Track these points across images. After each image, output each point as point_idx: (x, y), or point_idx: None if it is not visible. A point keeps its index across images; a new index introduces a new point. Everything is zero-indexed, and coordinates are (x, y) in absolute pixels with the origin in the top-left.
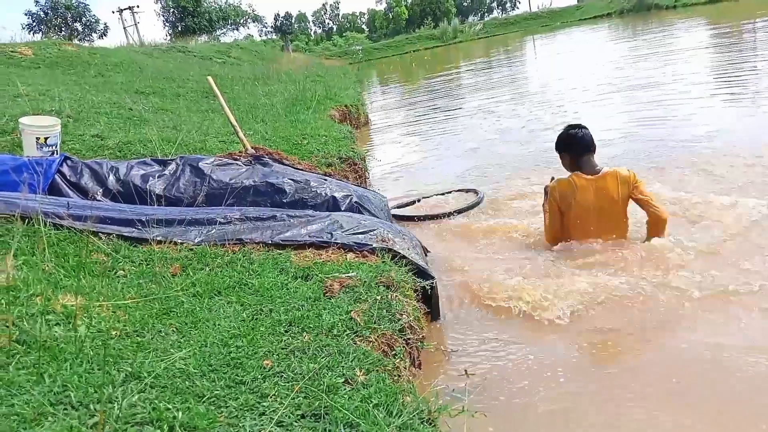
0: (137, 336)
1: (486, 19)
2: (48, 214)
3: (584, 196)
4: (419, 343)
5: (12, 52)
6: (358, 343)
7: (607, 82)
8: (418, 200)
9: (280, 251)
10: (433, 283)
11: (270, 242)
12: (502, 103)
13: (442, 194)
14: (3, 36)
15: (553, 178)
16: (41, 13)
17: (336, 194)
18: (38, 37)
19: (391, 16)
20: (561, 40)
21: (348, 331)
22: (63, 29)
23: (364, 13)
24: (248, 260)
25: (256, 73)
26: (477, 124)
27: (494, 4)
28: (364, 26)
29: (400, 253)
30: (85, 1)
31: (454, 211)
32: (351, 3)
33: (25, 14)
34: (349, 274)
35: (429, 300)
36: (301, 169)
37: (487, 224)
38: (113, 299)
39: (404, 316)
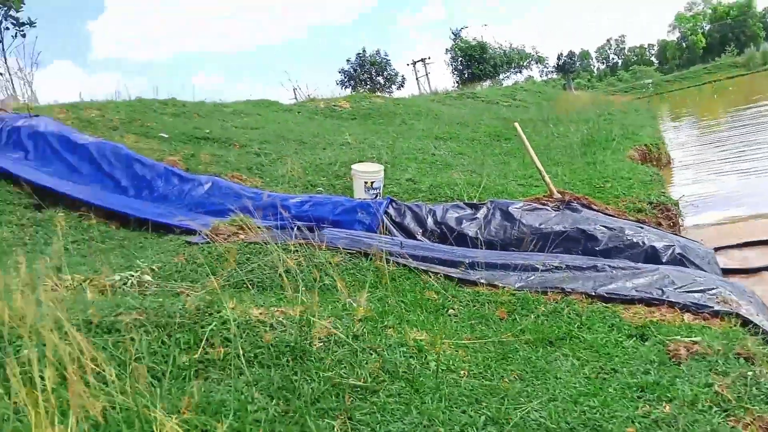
0: (483, 378)
1: None
2: (391, 253)
3: None
4: None
5: (334, 105)
6: (731, 423)
7: None
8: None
9: (605, 304)
10: None
11: (593, 293)
12: None
13: None
14: (326, 92)
15: None
16: (351, 70)
17: (655, 244)
18: (348, 91)
19: (685, 46)
20: None
21: (715, 408)
22: (368, 83)
23: (653, 45)
24: (573, 311)
25: (544, 114)
26: None
27: None
28: (653, 58)
29: (748, 319)
30: (387, 56)
31: None
32: (638, 36)
33: (339, 72)
34: (695, 339)
35: None
36: (611, 215)
37: None
38: (454, 338)
39: None
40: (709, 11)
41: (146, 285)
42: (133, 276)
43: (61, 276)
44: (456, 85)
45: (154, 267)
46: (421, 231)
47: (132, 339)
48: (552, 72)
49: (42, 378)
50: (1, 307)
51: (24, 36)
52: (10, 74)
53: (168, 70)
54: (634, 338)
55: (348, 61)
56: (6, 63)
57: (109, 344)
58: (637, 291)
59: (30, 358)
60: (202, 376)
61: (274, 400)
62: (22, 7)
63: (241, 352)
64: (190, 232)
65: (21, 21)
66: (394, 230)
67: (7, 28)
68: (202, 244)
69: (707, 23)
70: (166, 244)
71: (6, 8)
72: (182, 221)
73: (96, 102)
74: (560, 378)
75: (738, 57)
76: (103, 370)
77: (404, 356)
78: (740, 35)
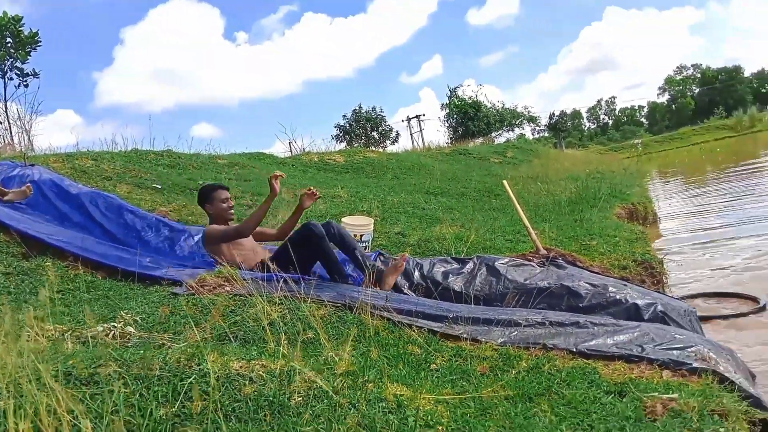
0: None
1: None
2: (375, 306)
3: None
4: None
5: (328, 159)
6: None
7: None
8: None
9: (586, 361)
10: None
11: (575, 350)
12: None
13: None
14: (320, 146)
15: None
16: (347, 124)
17: (638, 301)
18: (343, 145)
19: (674, 108)
20: None
21: None
22: (363, 138)
23: (643, 107)
24: (554, 367)
25: (534, 172)
26: None
27: None
28: (643, 119)
29: (725, 376)
30: (382, 112)
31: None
32: (628, 97)
33: (335, 127)
34: (672, 396)
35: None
36: (596, 272)
37: None
38: (434, 393)
39: None
40: (698, 75)
41: (129, 336)
42: (115, 327)
43: (44, 326)
44: (449, 141)
45: (137, 318)
46: (407, 285)
47: (110, 391)
48: (543, 131)
49: (17, 431)
50: None
51: (27, 86)
52: (9, 122)
53: (167, 120)
54: (613, 395)
55: (344, 116)
56: (6, 111)
57: (87, 396)
58: (617, 348)
59: (5, 409)
60: (179, 429)
61: None
62: (28, 59)
63: (219, 405)
64: (177, 283)
65: (25, 72)
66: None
67: (11, 78)
68: (187, 295)
69: (696, 86)
70: (151, 296)
71: (12, 59)
72: (168, 273)
73: (92, 151)
74: None
75: (726, 120)
76: (79, 423)
77: (383, 411)
78: (728, 99)
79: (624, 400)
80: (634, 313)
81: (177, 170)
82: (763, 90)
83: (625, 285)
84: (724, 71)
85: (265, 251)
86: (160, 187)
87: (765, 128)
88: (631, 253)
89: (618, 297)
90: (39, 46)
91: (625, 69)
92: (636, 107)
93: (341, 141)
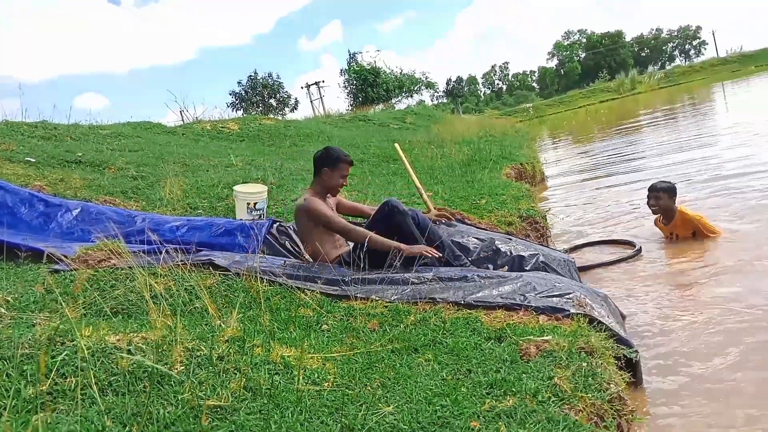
0: (347, 388)
1: (668, 68)
2: (265, 272)
3: None
4: (630, 416)
5: (222, 127)
6: (566, 411)
7: None
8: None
9: (470, 311)
10: (636, 352)
11: (462, 302)
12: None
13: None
14: (214, 114)
15: None
16: (242, 92)
17: (522, 253)
18: (240, 113)
19: (563, 72)
20: (758, 86)
21: (554, 398)
22: (260, 105)
23: (534, 72)
24: (440, 319)
25: (431, 137)
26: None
27: (676, 52)
28: (534, 84)
29: (598, 320)
30: (279, 79)
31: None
32: (521, 62)
33: (230, 94)
34: (545, 338)
35: (628, 368)
36: (484, 228)
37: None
38: (323, 352)
39: (612, 385)
40: (584, 40)
41: None
42: None
43: None
44: (350, 108)
45: (8, 298)
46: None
47: None
48: (442, 96)
49: None
50: None
51: None
52: None
53: (47, 91)
54: (492, 341)
55: (239, 83)
56: None
57: None
58: (502, 298)
59: None
60: (50, 407)
61: (126, 428)
62: None
63: (93, 380)
64: (53, 260)
65: None
66: (280, 249)
67: None
68: (66, 272)
69: (582, 51)
70: (24, 274)
71: None
72: (45, 247)
73: None
74: (419, 382)
75: (610, 82)
76: None
77: (269, 373)
78: (612, 62)
79: (502, 344)
80: (518, 264)
81: (53, 142)
82: (643, 54)
83: (510, 239)
84: (607, 36)
85: (347, 247)
86: (33, 160)
87: (644, 90)
88: (517, 210)
89: (503, 249)
90: None
91: (516, 37)
92: (528, 72)
93: (237, 109)
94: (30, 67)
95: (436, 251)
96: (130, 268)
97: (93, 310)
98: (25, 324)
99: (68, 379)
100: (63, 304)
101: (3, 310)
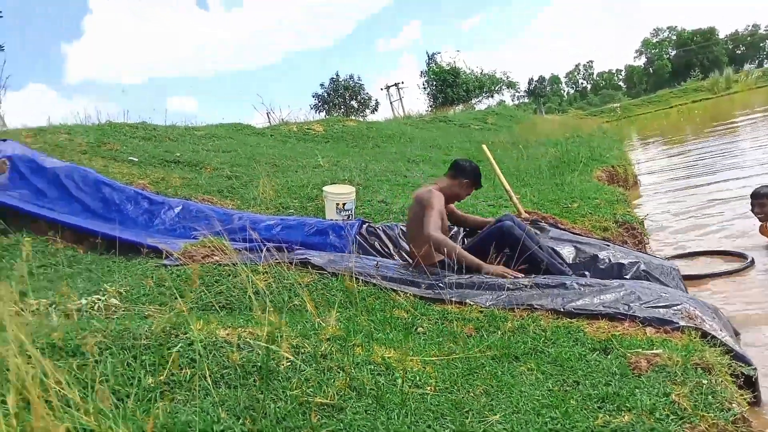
0: (449, 393)
1: (766, 66)
2: (360, 272)
3: None
4: None
5: (307, 129)
6: (687, 430)
7: None
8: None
9: (571, 320)
10: (755, 369)
11: (561, 310)
12: None
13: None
14: (299, 116)
15: None
16: (325, 94)
17: (622, 261)
18: (322, 115)
19: (651, 71)
20: None
21: (672, 416)
22: (342, 107)
23: (621, 70)
24: (539, 327)
25: (515, 137)
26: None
27: None
28: (621, 83)
29: (710, 333)
30: (360, 81)
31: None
32: (606, 61)
33: (313, 96)
34: (656, 351)
35: (746, 386)
36: (578, 234)
37: None
38: (421, 355)
39: (734, 405)
40: (674, 37)
41: (113, 308)
42: (100, 300)
43: (27, 300)
44: (429, 109)
45: (121, 291)
46: (394, 251)
47: (96, 361)
48: (523, 96)
49: (4, 402)
50: None
51: None
52: None
53: (142, 94)
54: (597, 352)
55: (322, 85)
56: None
57: (74, 367)
58: (603, 307)
59: None
60: (168, 397)
61: (240, 420)
62: None
63: (207, 372)
64: (161, 255)
65: None
66: (369, 250)
67: None
68: (173, 266)
69: (672, 48)
70: (134, 268)
71: None
72: (162, 243)
73: (65, 125)
74: (524, 391)
75: (703, 81)
76: (67, 393)
77: (371, 373)
78: (704, 60)
79: (609, 356)
80: (617, 272)
81: (153, 143)
82: (738, 51)
83: (607, 245)
84: (699, 33)
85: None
86: (136, 160)
87: (741, 89)
88: (612, 215)
89: (601, 256)
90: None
91: (599, 36)
92: (614, 71)
93: (320, 111)
94: (124, 71)
95: (519, 273)
96: (234, 264)
97: (200, 304)
98: (137, 316)
99: (183, 371)
100: (178, 297)
101: (117, 302)
